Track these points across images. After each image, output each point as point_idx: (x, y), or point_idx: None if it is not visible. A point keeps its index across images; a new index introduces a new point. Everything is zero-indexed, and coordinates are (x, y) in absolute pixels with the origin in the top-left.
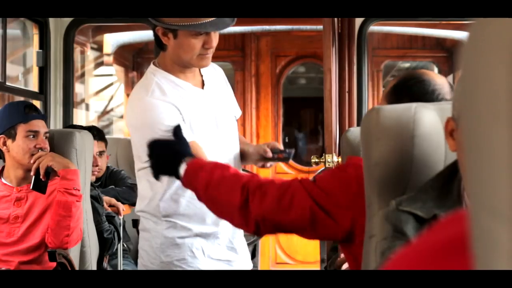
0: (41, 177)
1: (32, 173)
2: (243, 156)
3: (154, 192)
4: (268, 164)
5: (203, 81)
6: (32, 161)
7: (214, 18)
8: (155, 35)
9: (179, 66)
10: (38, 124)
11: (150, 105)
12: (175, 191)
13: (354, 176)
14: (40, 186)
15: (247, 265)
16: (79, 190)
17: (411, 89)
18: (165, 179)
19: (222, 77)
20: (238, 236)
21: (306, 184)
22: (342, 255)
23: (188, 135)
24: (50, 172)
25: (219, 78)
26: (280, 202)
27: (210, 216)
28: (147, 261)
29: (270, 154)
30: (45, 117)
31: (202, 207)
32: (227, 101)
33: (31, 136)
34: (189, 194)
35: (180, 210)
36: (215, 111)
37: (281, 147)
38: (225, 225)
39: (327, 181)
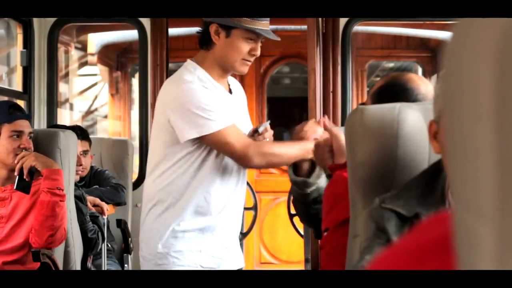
0: (24, 177)
1: (15, 173)
2: None
3: (173, 178)
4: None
5: (230, 89)
6: (16, 161)
7: (268, 28)
8: (205, 32)
9: (220, 67)
10: (23, 124)
11: (194, 90)
12: (190, 181)
13: (345, 191)
14: (24, 186)
15: (239, 264)
16: (62, 190)
17: (395, 96)
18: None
19: (243, 95)
20: (233, 235)
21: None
22: None
23: (229, 119)
24: (34, 172)
25: (242, 95)
26: None
27: (210, 212)
28: (145, 252)
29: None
30: (29, 117)
31: (210, 203)
32: (245, 111)
33: (15, 136)
34: (204, 187)
35: (188, 202)
36: (237, 115)
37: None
38: (222, 222)
39: (325, 201)
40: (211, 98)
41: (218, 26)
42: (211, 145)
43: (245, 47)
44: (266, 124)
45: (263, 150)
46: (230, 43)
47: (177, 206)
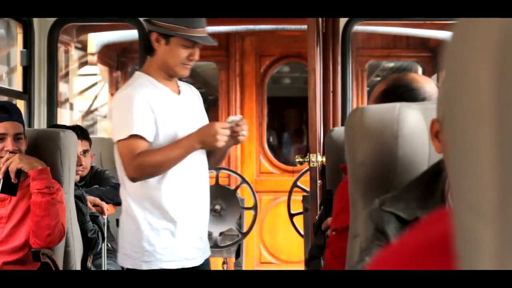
0: (12, 180)
1: (0, 176)
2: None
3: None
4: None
5: (179, 90)
6: (1, 164)
7: (204, 35)
8: (147, 40)
9: (163, 71)
10: (6, 126)
11: (127, 95)
12: (161, 176)
13: None
14: (10, 189)
15: (208, 251)
16: (53, 187)
17: (401, 97)
18: None
19: (197, 97)
20: (204, 224)
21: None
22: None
23: (149, 129)
24: (20, 173)
25: (194, 96)
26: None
27: (187, 205)
28: (130, 251)
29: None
30: (17, 117)
31: (181, 196)
32: (198, 110)
33: None
34: (175, 179)
35: (163, 197)
36: (187, 114)
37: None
38: (197, 214)
39: (337, 201)
40: (135, 107)
41: (158, 35)
42: None
43: (183, 53)
44: (236, 119)
45: (138, 162)
46: (169, 50)
47: (153, 206)
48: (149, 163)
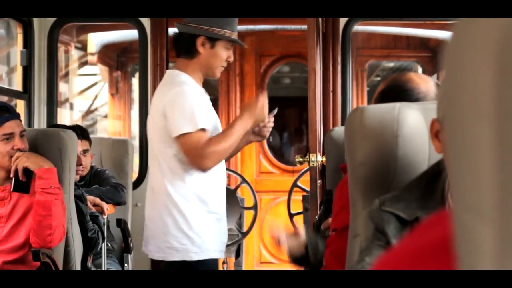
0: (20, 178)
1: (11, 175)
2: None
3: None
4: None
5: (204, 91)
6: (12, 163)
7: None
8: (189, 43)
9: (201, 73)
10: (12, 125)
11: (186, 92)
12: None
13: None
14: (22, 187)
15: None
16: (57, 188)
17: (397, 97)
18: None
19: None
20: (226, 220)
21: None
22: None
23: (208, 122)
24: (31, 172)
25: None
26: None
27: (221, 199)
28: (177, 244)
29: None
30: (18, 115)
31: (218, 191)
32: None
33: (7, 138)
34: (211, 174)
35: (204, 190)
36: (213, 112)
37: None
38: (224, 209)
39: (336, 201)
40: (196, 103)
41: (205, 38)
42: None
43: (225, 55)
44: (273, 112)
45: (210, 151)
46: (213, 53)
47: (197, 199)
48: (220, 149)
